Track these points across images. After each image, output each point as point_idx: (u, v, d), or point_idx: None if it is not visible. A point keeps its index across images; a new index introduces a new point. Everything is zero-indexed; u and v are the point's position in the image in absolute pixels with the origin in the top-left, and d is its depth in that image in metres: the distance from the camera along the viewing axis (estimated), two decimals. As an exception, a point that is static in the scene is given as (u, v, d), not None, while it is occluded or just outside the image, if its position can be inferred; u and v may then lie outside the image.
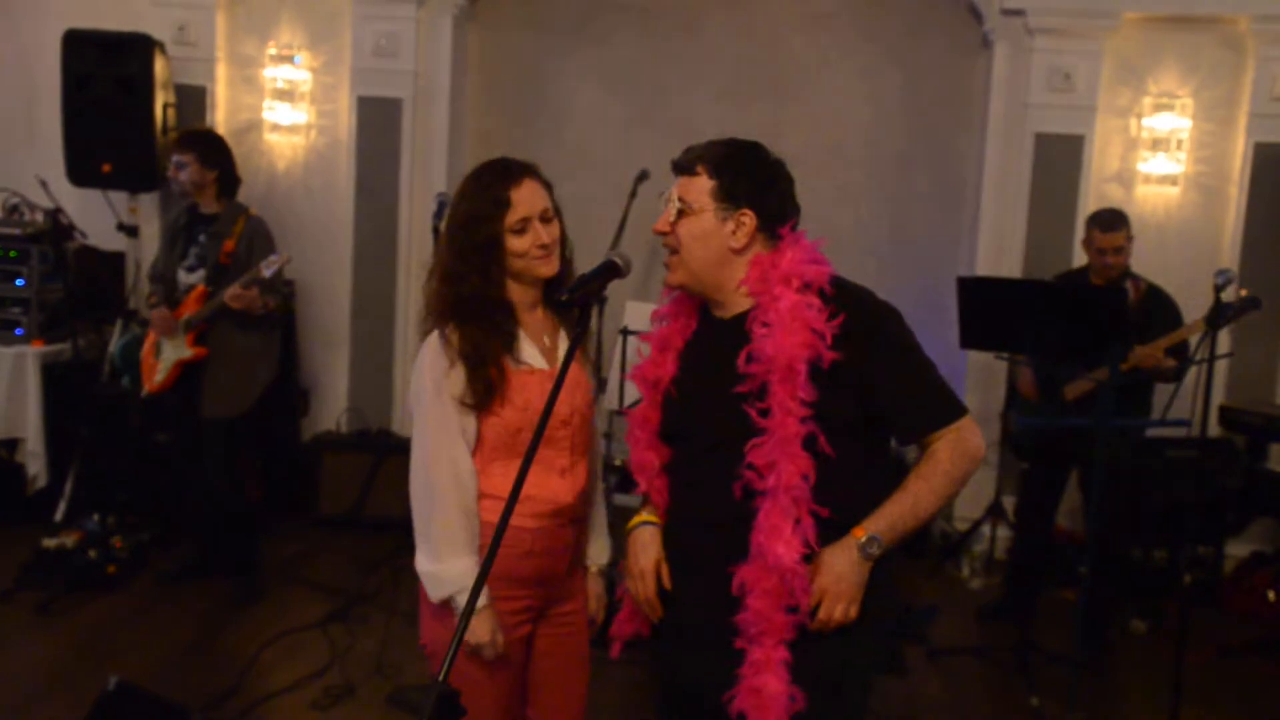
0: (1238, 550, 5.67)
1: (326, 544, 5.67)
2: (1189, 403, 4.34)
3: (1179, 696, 3.75)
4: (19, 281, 5.62)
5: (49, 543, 4.93)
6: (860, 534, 2.08)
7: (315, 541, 5.67)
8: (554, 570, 2.45)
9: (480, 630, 2.30)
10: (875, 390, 2.09)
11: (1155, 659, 4.60)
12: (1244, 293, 4.29)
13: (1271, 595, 5.35)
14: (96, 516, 5.14)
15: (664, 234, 2.20)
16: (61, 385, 5.60)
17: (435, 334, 2.38)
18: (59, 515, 5.49)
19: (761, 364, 2.06)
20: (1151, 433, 5.12)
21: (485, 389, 2.31)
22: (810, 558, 2.06)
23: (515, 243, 2.33)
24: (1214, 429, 5.41)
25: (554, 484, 2.39)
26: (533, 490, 2.33)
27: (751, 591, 2.07)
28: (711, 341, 2.22)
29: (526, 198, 2.34)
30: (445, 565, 2.32)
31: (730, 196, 2.15)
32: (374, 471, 5.93)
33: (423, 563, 2.37)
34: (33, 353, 5.50)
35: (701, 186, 2.17)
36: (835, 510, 2.07)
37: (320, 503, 5.98)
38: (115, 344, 5.69)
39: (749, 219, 2.16)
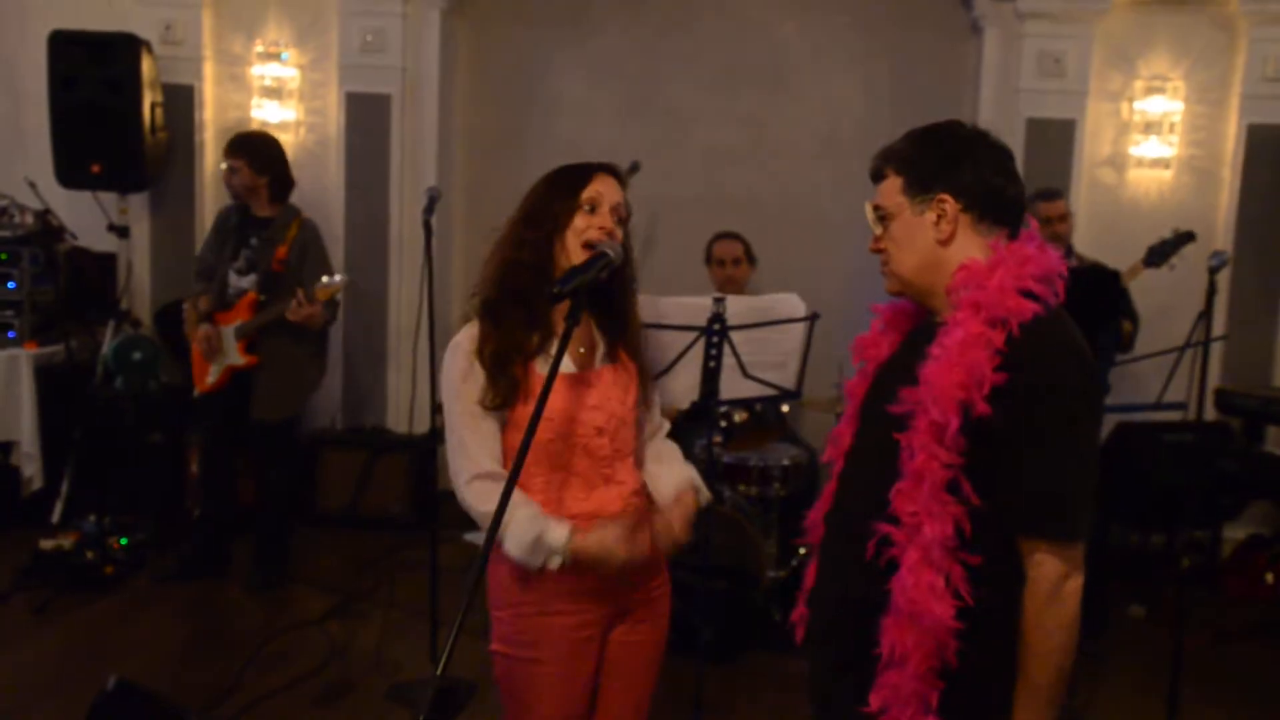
0: (1235, 533, 5.67)
1: (323, 541, 5.66)
2: (1185, 386, 4.35)
3: (1177, 680, 3.75)
4: (10, 284, 5.60)
5: (46, 544, 4.92)
6: None
7: (312, 538, 5.65)
8: (600, 584, 2.31)
9: (598, 550, 2.19)
10: (997, 459, 1.79)
11: (1154, 643, 4.60)
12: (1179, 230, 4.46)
13: (1270, 577, 5.36)
14: (93, 517, 5.12)
15: (877, 251, 2.02)
16: (55, 387, 5.58)
17: (465, 329, 2.31)
18: (56, 517, 5.48)
19: (915, 393, 1.83)
20: (1148, 416, 5.12)
21: (509, 389, 2.24)
22: (963, 612, 1.80)
23: (580, 220, 2.29)
24: (1210, 412, 5.41)
25: (596, 495, 2.32)
26: (576, 508, 2.29)
27: (909, 658, 1.82)
28: (917, 342, 1.94)
29: (607, 186, 2.33)
30: (519, 513, 2.18)
31: (920, 185, 1.93)
32: (369, 468, 5.92)
33: (480, 503, 2.23)
34: (25, 355, 5.48)
35: (892, 187, 1.97)
36: (989, 560, 1.80)
37: (317, 500, 5.98)
38: (108, 345, 5.67)
39: (948, 203, 1.90)
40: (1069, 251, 4.98)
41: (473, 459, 2.26)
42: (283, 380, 4.96)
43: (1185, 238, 4.58)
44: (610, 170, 2.38)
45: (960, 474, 1.79)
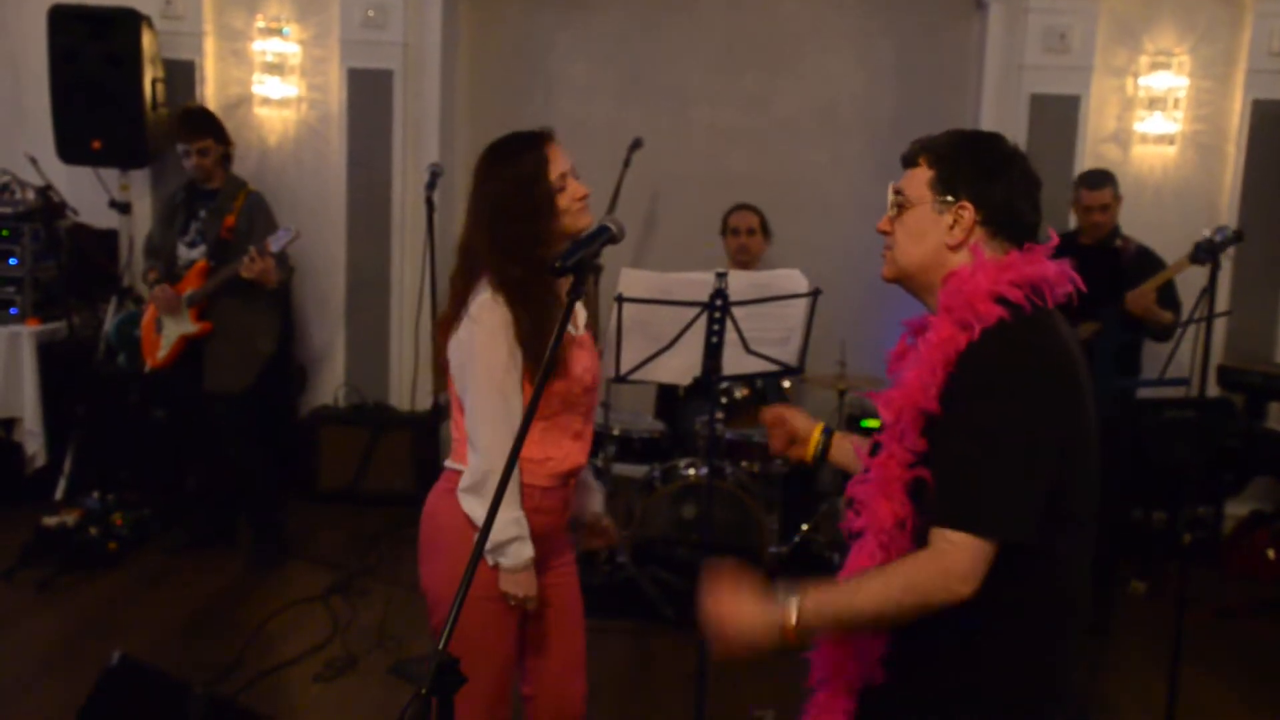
0: (1237, 510, 5.67)
1: (326, 518, 5.68)
2: (1187, 362, 4.34)
3: (1179, 656, 3.76)
4: (12, 260, 5.59)
5: (49, 521, 4.93)
6: (787, 598, 1.80)
7: (315, 515, 5.68)
8: (555, 526, 2.57)
9: (526, 585, 2.44)
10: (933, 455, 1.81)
11: (1155, 619, 4.61)
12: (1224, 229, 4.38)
13: (1271, 554, 5.36)
14: (96, 494, 5.14)
15: (885, 232, 2.01)
16: (57, 364, 5.59)
17: (489, 297, 2.38)
18: (59, 494, 5.50)
19: (891, 395, 1.88)
20: (1150, 393, 5.12)
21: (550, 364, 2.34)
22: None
23: (561, 198, 2.42)
24: (1213, 388, 5.41)
25: (568, 446, 2.51)
26: (553, 452, 2.47)
27: (838, 643, 1.93)
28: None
29: (559, 155, 2.44)
30: (504, 514, 2.35)
31: (949, 186, 1.92)
32: (371, 446, 5.93)
33: (477, 507, 2.41)
34: (28, 332, 5.48)
35: (921, 178, 1.95)
36: None
37: (319, 477, 5.98)
38: (110, 322, 5.67)
39: (968, 212, 1.90)
40: (1115, 234, 4.88)
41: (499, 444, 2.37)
42: (235, 348, 4.93)
43: (1235, 236, 4.47)
44: (549, 136, 2.48)
45: (925, 474, 1.80)
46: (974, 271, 1.86)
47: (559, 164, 2.42)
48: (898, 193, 1.99)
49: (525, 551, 2.40)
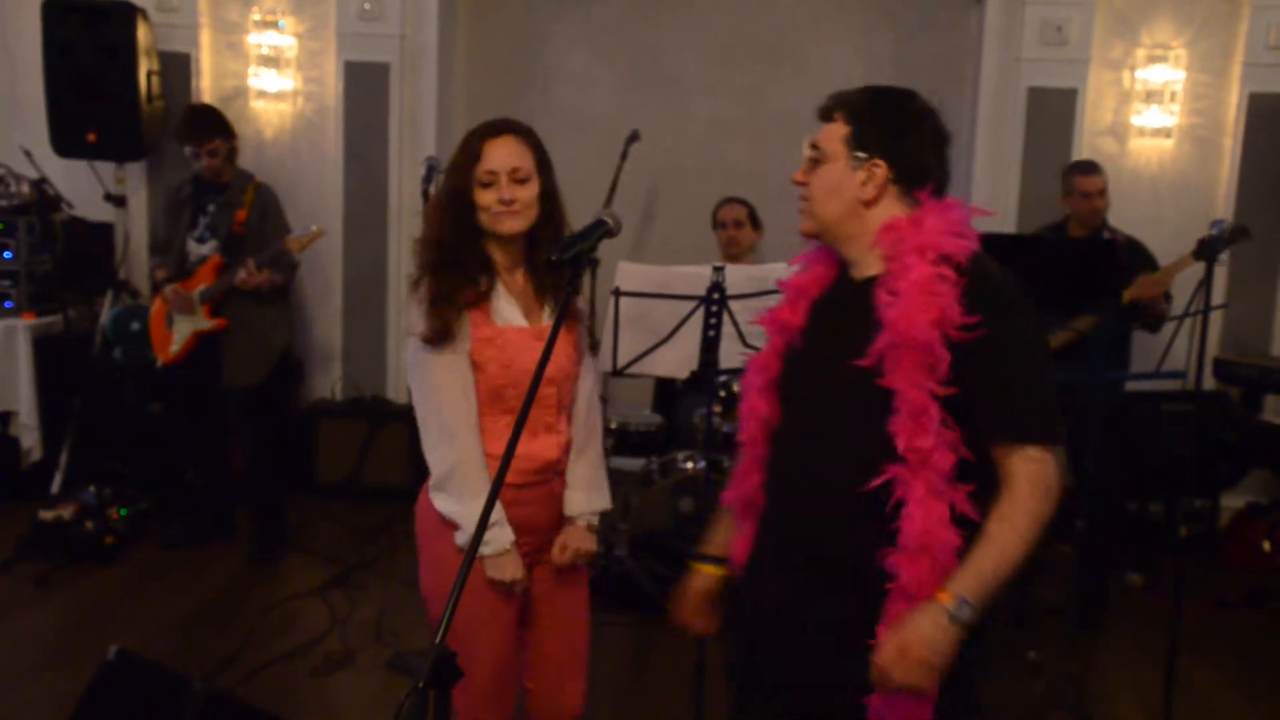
0: (1233, 502, 5.69)
1: (324, 511, 5.67)
2: (1184, 355, 4.34)
3: (1176, 648, 3.77)
4: (7, 254, 5.57)
5: (46, 515, 4.92)
6: (946, 598, 1.81)
7: (312, 509, 5.67)
8: (543, 519, 2.54)
9: (510, 569, 2.42)
10: (976, 379, 1.85)
11: (1152, 611, 4.63)
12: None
13: (1267, 546, 5.38)
14: (93, 488, 5.13)
15: (800, 184, 2.10)
16: (53, 358, 5.57)
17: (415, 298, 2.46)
18: (55, 488, 5.48)
19: (886, 335, 1.87)
20: (1147, 386, 5.12)
21: (442, 327, 2.37)
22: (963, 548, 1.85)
23: (481, 195, 2.39)
24: (1209, 381, 5.41)
25: (538, 441, 2.48)
26: (520, 449, 2.39)
27: (924, 588, 1.85)
28: (841, 301, 2.05)
29: (498, 152, 2.40)
30: (472, 506, 2.36)
31: (863, 144, 2.00)
32: (369, 439, 5.92)
33: (448, 504, 2.43)
34: (23, 325, 5.46)
35: (836, 133, 2.04)
36: (980, 485, 1.88)
37: (317, 470, 5.98)
38: (106, 315, 5.66)
39: (881, 170, 1.98)
40: (1103, 225, 4.89)
41: (447, 430, 2.41)
42: (251, 343, 4.94)
43: (1238, 232, 4.43)
44: (505, 129, 2.44)
45: (941, 406, 1.86)
46: (919, 218, 1.96)
47: (493, 160, 2.38)
48: (814, 147, 2.08)
49: (504, 537, 2.41)
